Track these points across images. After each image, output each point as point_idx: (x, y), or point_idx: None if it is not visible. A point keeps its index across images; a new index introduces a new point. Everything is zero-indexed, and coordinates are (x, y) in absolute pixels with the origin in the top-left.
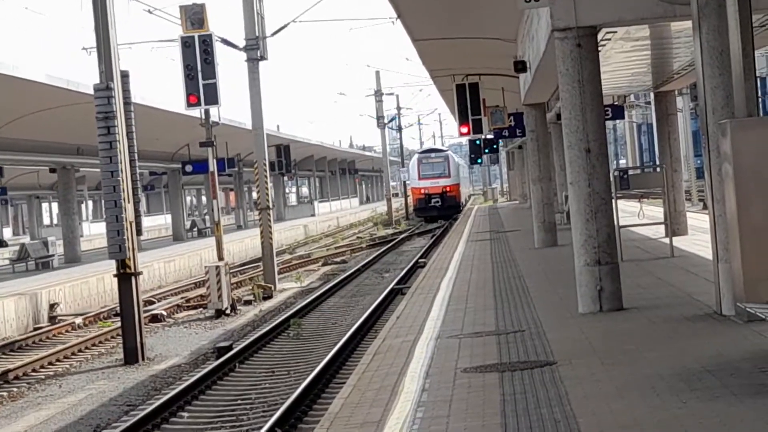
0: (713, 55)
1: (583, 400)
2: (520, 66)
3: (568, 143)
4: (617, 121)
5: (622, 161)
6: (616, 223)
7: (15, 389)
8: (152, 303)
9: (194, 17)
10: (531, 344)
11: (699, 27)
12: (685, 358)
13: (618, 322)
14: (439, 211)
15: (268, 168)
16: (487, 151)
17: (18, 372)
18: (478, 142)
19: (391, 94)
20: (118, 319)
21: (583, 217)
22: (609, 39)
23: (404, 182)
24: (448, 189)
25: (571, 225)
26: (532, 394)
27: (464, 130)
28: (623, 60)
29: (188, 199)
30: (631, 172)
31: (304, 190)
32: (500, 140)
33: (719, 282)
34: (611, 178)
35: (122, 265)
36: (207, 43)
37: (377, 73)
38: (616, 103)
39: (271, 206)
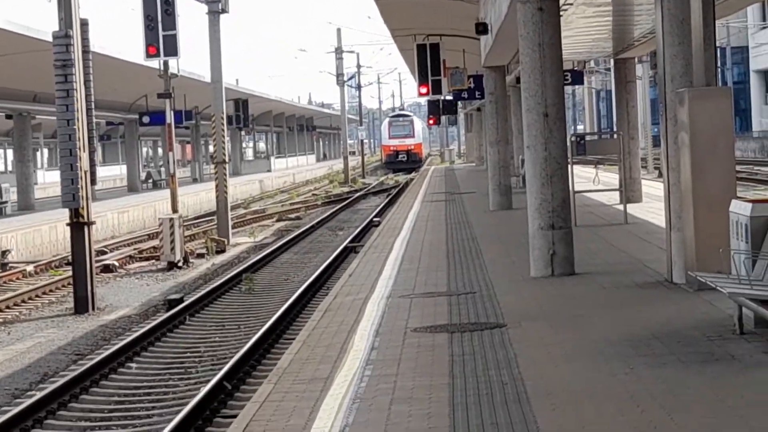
0: (674, 24)
1: (531, 364)
2: (482, 28)
3: (527, 107)
4: (576, 86)
5: (580, 127)
6: (571, 188)
7: None
8: (105, 253)
9: None
10: (482, 306)
11: None
12: (634, 324)
13: (569, 286)
14: (405, 164)
15: (225, 122)
16: (445, 112)
17: None
18: (437, 102)
19: (352, 52)
20: (70, 268)
21: (538, 181)
22: (571, 3)
23: (361, 140)
24: (412, 147)
25: (526, 188)
26: (481, 355)
27: (423, 90)
28: (584, 25)
29: (144, 150)
30: (588, 137)
31: (261, 146)
32: (459, 102)
33: (671, 250)
34: (568, 143)
35: (75, 214)
36: None
37: (338, 30)
38: (575, 68)
39: (227, 160)
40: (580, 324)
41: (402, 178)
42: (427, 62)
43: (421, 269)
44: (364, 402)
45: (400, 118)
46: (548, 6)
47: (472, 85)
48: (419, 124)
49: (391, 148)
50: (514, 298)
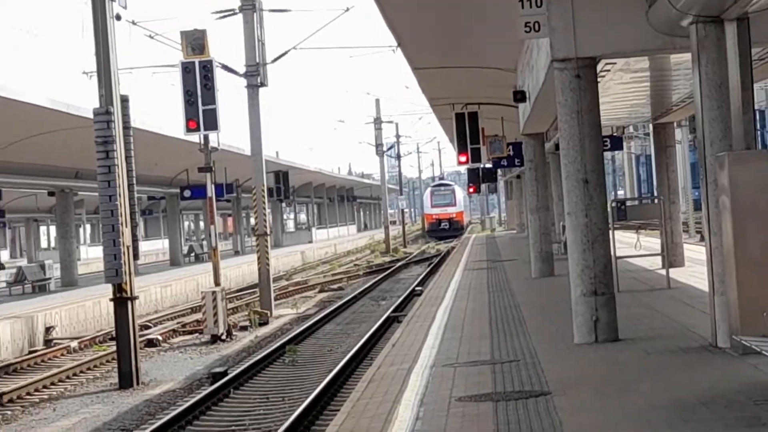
0: (712, 88)
1: (576, 431)
2: (520, 96)
3: (566, 173)
4: (616, 152)
5: (620, 192)
6: (613, 253)
7: (9, 412)
8: (148, 327)
9: (195, 43)
10: (526, 374)
11: (698, 59)
12: (679, 390)
13: (613, 352)
14: (447, 232)
15: (266, 194)
16: (485, 180)
17: (12, 395)
18: (476, 171)
19: (391, 122)
20: (114, 343)
21: (580, 247)
22: (608, 70)
23: (402, 210)
24: (454, 215)
25: (568, 255)
26: (527, 424)
27: (463, 159)
28: (622, 91)
29: (186, 224)
30: (629, 203)
31: (302, 217)
32: (498, 169)
33: (715, 314)
34: (609, 209)
35: (119, 289)
36: (207, 68)
37: (377, 100)
38: (614, 134)
39: (268, 232)
40: (626, 390)
41: (443, 246)
42: (466, 131)
43: (464, 338)
44: None
45: (442, 188)
46: (586, 73)
47: (511, 153)
48: (460, 193)
49: (434, 217)
50: (558, 365)
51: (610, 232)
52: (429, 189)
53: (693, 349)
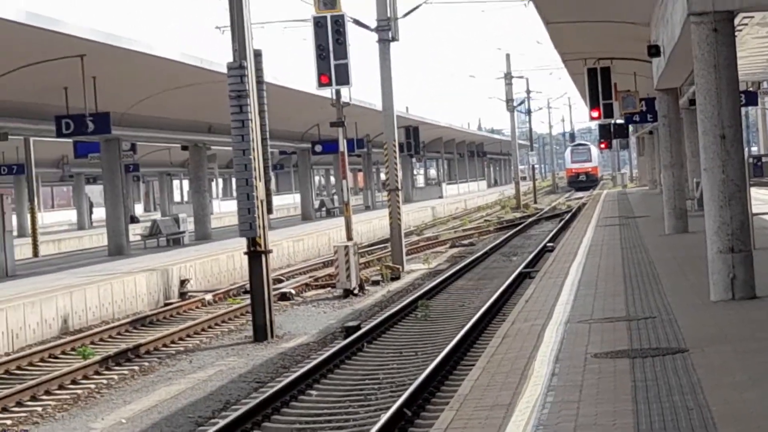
0: None
1: (715, 389)
2: (654, 50)
3: (703, 129)
4: (750, 107)
5: (754, 148)
6: (749, 210)
7: (146, 363)
8: (281, 281)
9: None
10: (662, 331)
11: None
12: None
13: (751, 310)
14: (584, 183)
15: (397, 149)
16: (617, 136)
17: (149, 347)
18: (608, 126)
19: (521, 77)
20: (248, 296)
21: (716, 203)
22: (745, 24)
23: (532, 166)
24: (590, 169)
25: (703, 211)
26: (664, 381)
27: (595, 114)
28: (758, 46)
29: (317, 179)
30: (765, 159)
31: (432, 172)
32: (630, 125)
33: None
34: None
35: (252, 243)
36: (339, 23)
37: (507, 55)
38: (749, 89)
39: (399, 187)
40: (765, 348)
41: (574, 202)
42: (598, 86)
43: (598, 294)
44: (547, 429)
45: (580, 147)
46: (723, 27)
47: (643, 108)
48: (595, 151)
49: (573, 171)
50: (694, 322)
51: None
52: (569, 148)
53: None
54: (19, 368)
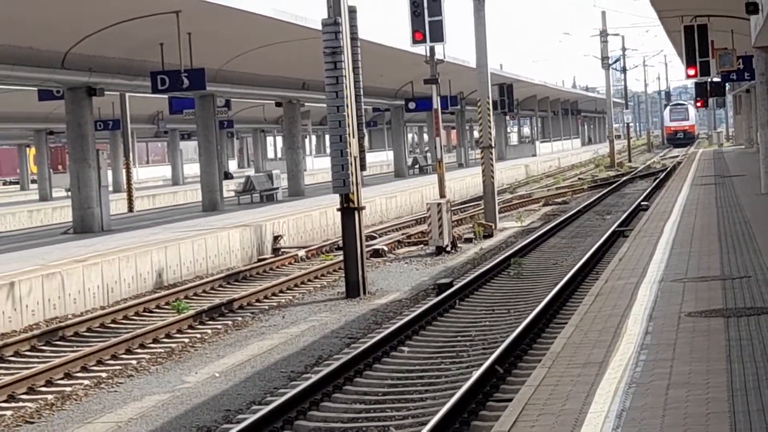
0: None
1: None
2: (752, 7)
3: None
4: None
5: None
6: None
7: (239, 318)
8: (374, 238)
9: None
10: (758, 290)
11: None
12: None
13: None
14: (682, 140)
15: (491, 107)
16: (713, 94)
17: (243, 302)
18: (704, 85)
19: (617, 34)
20: (340, 253)
21: None
22: None
23: (627, 124)
24: (687, 128)
25: None
26: (759, 340)
27: (691, 72)
28: None
29: (410, 136)
30: None
31: (525, 130)
32: (727, 83)
33: None
34: None
35: (346, 199)
36: None
37: (603, 13)
38: None
39: (492, 145)
40: None
41: (669, 161)
42: (695, 44)
43: (693, 253)
44: (640, 387)
45: (678, 106)
46: None
47: (741, 67)
48: (692, 110)
49: (672, 129)
50: None
51: None
52: (668, 107)
53: None
54: (114, 321)
